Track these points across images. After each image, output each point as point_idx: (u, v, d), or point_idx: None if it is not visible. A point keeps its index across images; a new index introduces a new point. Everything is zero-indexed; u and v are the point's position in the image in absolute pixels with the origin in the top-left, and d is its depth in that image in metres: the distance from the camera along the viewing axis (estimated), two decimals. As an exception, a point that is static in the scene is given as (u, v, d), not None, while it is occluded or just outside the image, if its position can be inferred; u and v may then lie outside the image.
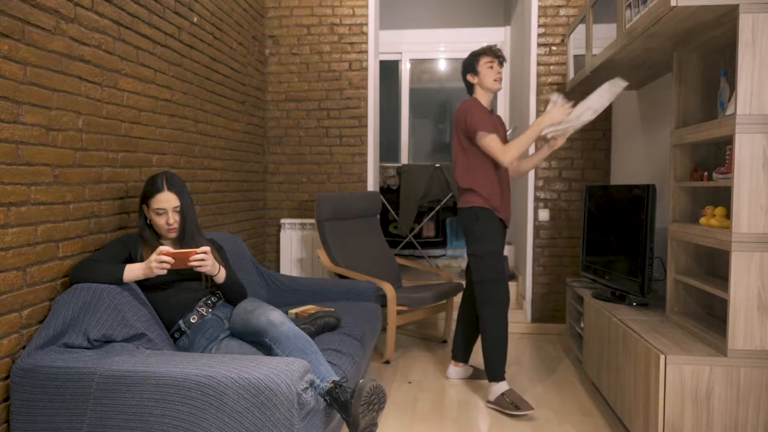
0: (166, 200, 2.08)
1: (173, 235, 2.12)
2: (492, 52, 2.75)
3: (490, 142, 2.59)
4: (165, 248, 1.91)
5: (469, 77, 2.78)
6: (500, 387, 2.62)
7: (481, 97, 2.76)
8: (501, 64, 2.75)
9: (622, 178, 3.67)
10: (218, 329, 2.09)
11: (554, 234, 3.97)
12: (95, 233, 2.13)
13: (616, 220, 2.77)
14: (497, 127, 2.77)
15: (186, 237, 2.16)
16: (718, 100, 2.08)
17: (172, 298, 2.09)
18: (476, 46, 5.30)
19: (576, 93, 3.89)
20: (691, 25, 2.04)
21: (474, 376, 3.02)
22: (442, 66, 5.45)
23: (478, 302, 2.68)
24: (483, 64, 2.73)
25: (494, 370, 2.65)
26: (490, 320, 2.64)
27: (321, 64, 4.15)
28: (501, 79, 2.75)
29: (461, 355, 2.97)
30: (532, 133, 2.55)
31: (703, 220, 2.10)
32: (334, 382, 1.81)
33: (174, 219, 2.10)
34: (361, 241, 3.72)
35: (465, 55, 5.35)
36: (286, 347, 1.89)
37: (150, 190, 2.10)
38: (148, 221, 2.13)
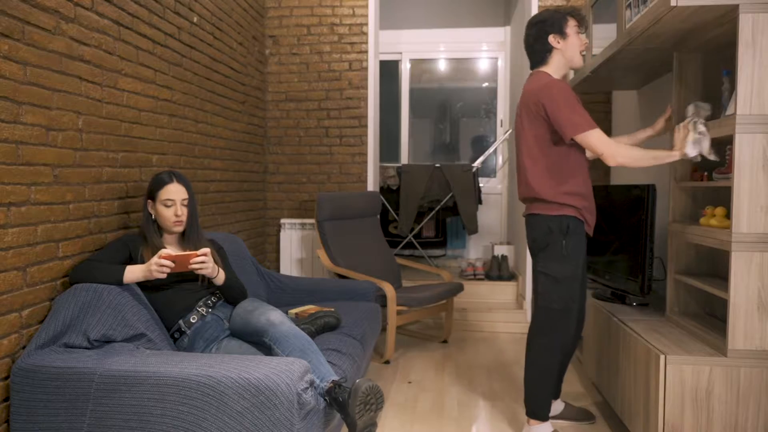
0: (176, 191, 2.11)
1: (179, 228, 2.13)
2: (581, 17, 2.14)
3: (594, 140, 2.00)
4: (165, 251, 1.91)
5: (553, 39, 2.12)
6: (542, 429, 2.22)
7: (556, 71, 2.16)
8: (586, 26, 2.18)
9: (621, 178, 3.67)
10: (218, 329, 2.09)
11: (554, 234, 3.96)
12: (95, 233, 2.13)
13: (616, 220, 2.76)
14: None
15: (190, 234, 2.17)
16: (722, 100, 2.08)
17: (172, 299, 2.09)
18: (476, 46, 5.29)
19: (575, 92, 3.89)
20: (691, 25, 2.04)
21: (567, 415, 2.47)
22: (442, 66, 5.45)
23: (535, 329, 2.20)
24: (572, 26, 2.12)
25: (536, 408, 2.21)
26: (544, 353, 2.17)
27: (321, 64, 4.15)
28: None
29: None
30: (659, 155, 2.02)
31: (703, 220, 2.10)
32: (333, 381, 1.81)
33: (182, 211, 2.11)
34: (361, 241, 3.72)
35: (465, 55, 5.34)
36: (286, 347, 1.89)
37: (157, 183, 2.12)
38: (152, 218, 2.13)
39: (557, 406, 2.49)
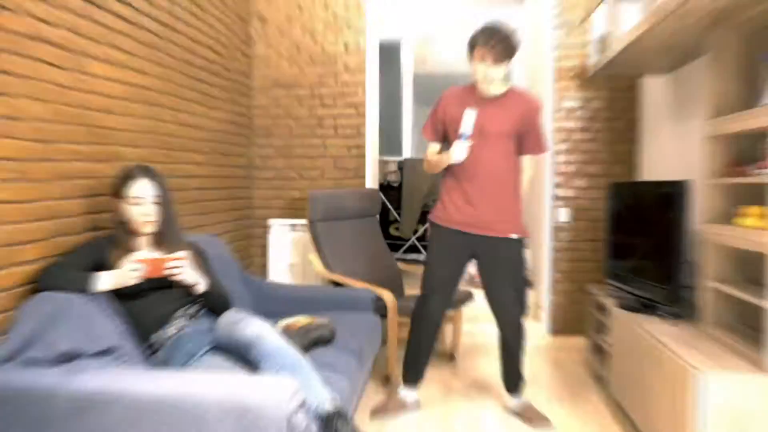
0: (144, 187, 2.10)
1: (150, 228, 2.12)
2: (483, 47, 2.38)
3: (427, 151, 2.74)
4: (140, 254, 1.91)
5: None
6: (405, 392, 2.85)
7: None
8: (497, 59, 2.36)
9: (648, 173, 3.67)
10: (199, 343, 2.09)
11: (575, 236, 3.96)
12: (63, 235, 2.12)
13: (645, 220, 2.76)
14: (455, 121, 2.53)
15: (166, 236, 2.16)
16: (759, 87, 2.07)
17: (148, 308, 2.08)
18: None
19: (598, 78, 3.89)
20: (728, 3, 2.03)
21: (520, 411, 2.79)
22: (449, 49, 5.44)
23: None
24: (476, 55, 2.44)
25: (406, 375, 2.86)
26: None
27: (314, 45, 4.14)
28: (492, 80, 2.42)
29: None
30: (438, 162, 2.65)
31: (737, 220, 2.10)
32: (335, 410, 1.80)
33: (152, 210, 2.11)
34: (359, 244, 3.72)
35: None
36: (274, 364, 1.89)
37: (124, 179, 2.11)
38: (122, 218, 2.13)
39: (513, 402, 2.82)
